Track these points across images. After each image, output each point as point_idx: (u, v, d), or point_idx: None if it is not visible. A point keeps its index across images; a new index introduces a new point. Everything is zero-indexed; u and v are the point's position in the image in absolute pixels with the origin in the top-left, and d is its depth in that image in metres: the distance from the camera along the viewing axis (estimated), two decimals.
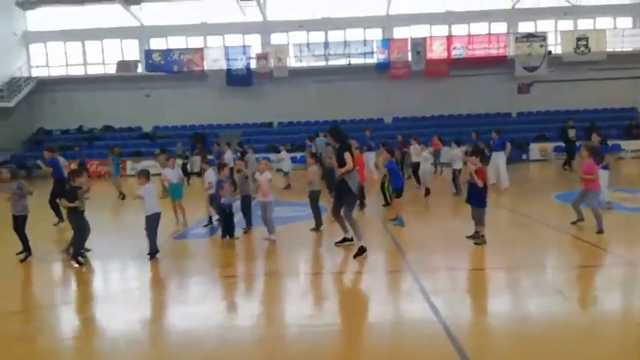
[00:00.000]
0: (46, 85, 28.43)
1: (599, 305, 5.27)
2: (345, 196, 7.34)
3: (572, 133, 18.66)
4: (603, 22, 28.49)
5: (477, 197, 7.76)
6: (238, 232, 9.03)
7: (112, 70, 29.27)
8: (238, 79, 27.74)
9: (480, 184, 7.62)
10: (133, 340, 4.76)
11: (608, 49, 27.21)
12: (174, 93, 28.19)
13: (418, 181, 15.20)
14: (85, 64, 29.67)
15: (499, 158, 14.15)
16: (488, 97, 27.64)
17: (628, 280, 6.17)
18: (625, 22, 28.65)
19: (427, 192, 12.81)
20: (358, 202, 9.77)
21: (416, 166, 15.33)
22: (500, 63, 27.50)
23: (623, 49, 27.45)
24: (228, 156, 16.10)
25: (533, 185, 16.86)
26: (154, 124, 28.85)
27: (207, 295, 5.97)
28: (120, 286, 6.66)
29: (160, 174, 11.42)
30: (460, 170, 13.10)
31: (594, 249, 7.54)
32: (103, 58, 29.61)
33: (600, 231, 8.32)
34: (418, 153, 15.28)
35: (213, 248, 8.44)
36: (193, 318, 5.20)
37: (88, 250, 7.88)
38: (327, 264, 7.39)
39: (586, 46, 27.11)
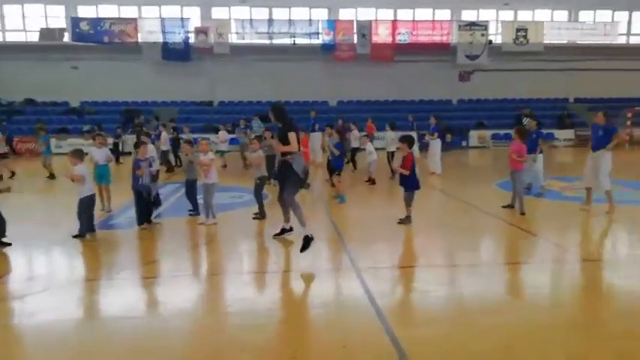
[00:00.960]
0: None
1: (543, 302, 5.01)
2: (289, 179, 6.67)
3: (525, 120, 18.34)
4: (542, 15, 29.33)
5: (405, 180, 7.89)
6: (162, 217, 8.26)
7: (34, 38, 26.76)
8: (175, 54, 26.21)
9: (405, 172, 7.79)
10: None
11: (545, 41, 28.06)
12: (104, 66, 26.15)
13: (355, 166, 15.07)
14: (3, 30, 26.94)
15: (435, 144, 14.23)
16: (430, 83, 27.82)
17: (568, 273, 6.02)
18: (561, 15, 29.63)
19: (372, 182, 12.54)
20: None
21: (354, 152, 15.18)
22: (443, 50, 27.68)
23: (560, 42, 28.41)
24: (164, 136, 15.00)
25: (474, 172, 17.01)
26: (83, 99, 26.78)
27: (117, 302, 5.06)
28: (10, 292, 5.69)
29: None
30: (394, 153, 13.08)
31: (536, 240, 7.42)
32: (24, 25, 27.00)
33: (522, 213, 8.63)
34: (357, 138, 15.08)
35: (137, 240, 7.57)
36: (99, 331, 4.45)
37: (8, 245, 6.87)
38: (262, 261, 6.65)
39: (525, 37, 27.80)
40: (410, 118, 18.21)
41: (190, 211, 8.90)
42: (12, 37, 26.80)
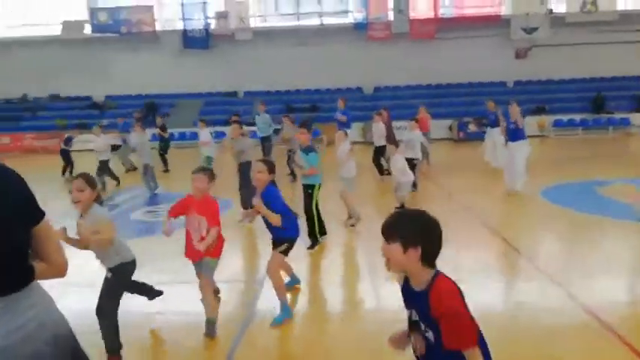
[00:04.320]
0: None
1: None
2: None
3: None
4: None
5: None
6: None
7: (56, 31, 25.88)
8: (196, 42, 24.45)
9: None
10: None
11: (619, 8, 23.77)
12: (124, 57, 24.84)
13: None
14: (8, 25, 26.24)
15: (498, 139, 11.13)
16: (480, 63, 24.20)
17: None
18: None
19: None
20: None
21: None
22: (494, 23, 24.11)
23: (637, 8, 24.02)
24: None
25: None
26: (106, 94, 25.71)
27: None
28: None
29: None
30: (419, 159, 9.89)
31: None
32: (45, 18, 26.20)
33: None
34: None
35: None
36: None
37: None
38: None
39: (594, 3, 23.62)
40: (490, 106, 12.42)
41: None
42: (33, 32, 26.04)
